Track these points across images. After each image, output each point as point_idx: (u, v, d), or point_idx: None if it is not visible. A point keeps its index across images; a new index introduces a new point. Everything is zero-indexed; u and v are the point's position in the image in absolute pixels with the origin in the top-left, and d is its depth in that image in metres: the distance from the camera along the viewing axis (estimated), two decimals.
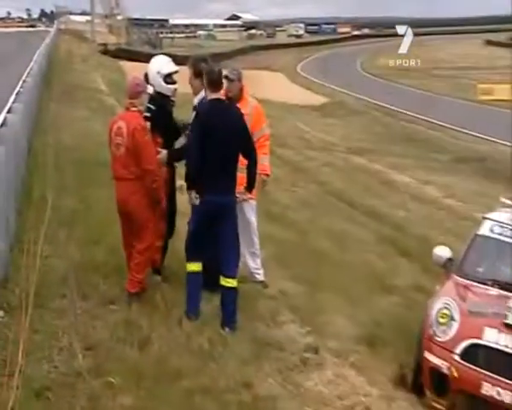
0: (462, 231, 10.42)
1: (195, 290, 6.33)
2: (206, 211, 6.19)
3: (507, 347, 5.74)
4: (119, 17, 70.55)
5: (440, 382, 5.96)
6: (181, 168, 6.68)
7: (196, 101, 6.78)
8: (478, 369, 5.75)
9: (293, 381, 5.73)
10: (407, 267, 10.03)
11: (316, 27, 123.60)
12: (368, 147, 23.23)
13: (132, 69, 31.45)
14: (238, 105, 6.92)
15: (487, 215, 7.07)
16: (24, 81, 18.43)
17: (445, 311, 6.18)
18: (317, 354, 6.20)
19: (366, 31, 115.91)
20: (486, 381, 5.67)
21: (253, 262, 7.44)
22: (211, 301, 6.51)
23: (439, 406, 6.02)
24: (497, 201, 7.36)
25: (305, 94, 41.00)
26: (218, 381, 5.40)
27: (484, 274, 6.59)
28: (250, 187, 6.45)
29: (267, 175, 7.45)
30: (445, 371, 5.91)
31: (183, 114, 7.08)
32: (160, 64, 7.05)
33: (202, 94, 6.62)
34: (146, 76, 6.97)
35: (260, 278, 7.50)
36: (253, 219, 7.37)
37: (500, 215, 6.94)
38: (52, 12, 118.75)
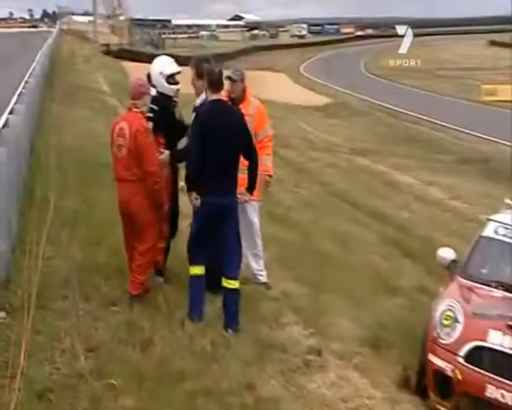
0: (466, 232, 10.41)
1: (199, 293, 6.30)
2: (207, 212, 6.16)
3: (511, 349, 5.70)
4: (122, 17, 70.52)
5: (444, 384, 5.92)
6: (183, 170, 6.66)
7: (199, 102, 6.76)
8: (482, 371, 5.70)
9: (296, 383, 5.70)
10: (411, 269, 10.00)
11: (319, 28, 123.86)
12: (371, 148, 23.22)
13: (135, 70, 31.55)
14: (241, 106, 6.91)
15: (491, 217, 7.04)
16: (26, 82, 18.41)
17: (449, 313, 6.14)
18: (320, 356, 6.18)
19: (370, 31, 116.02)
20: (491, 383, 5.63)
21: (255, 264, 7.41)
22: (213, 302, 6.49)
23: (443, 408, 5.97)
24: (501, 202, 7.33)
25: (308, 94, 41.01)
26: (221, 383, 5.38)
27: (488, 276, 6.55)
28: (251, 188, 6.41)
29: (270, 176, 7.43)
30: (449, 373, 5.88)
31: (186, 115, 7.06)
32: (163, 65, 7.03)
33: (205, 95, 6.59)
34: (148, 76, 6.96)
35: (263, 279, 7.48)
36: (255, 220, 7.35)
37: (504, 217, 6.90)
38: (54, 12, 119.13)
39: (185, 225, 6.97)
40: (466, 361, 5.82)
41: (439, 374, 5.96)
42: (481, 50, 73.09)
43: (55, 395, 4.97)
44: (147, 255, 6.54)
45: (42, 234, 7.91)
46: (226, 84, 6.70)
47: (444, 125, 28.91)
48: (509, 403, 5.55)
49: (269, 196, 9.18)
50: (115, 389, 5.08)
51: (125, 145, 6.43)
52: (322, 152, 21.93)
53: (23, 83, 18.69)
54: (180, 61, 7.78)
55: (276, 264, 8.21)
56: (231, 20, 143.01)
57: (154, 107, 6.81)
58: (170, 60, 7.15)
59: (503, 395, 5.57)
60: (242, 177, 6.33)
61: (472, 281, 6.51)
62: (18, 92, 16.73)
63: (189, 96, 7.05)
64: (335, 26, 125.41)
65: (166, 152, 6.80)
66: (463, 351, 5.86)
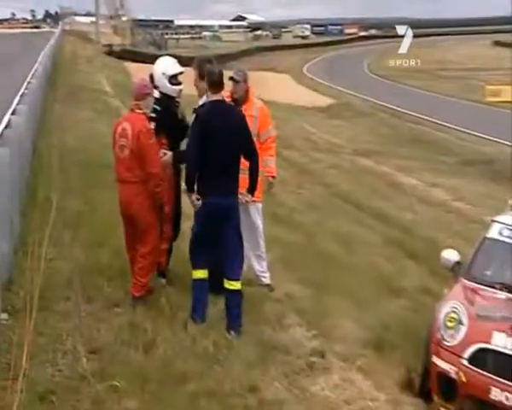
0: (469, 233, 10.39)
1: (201, 295, 6.27)
2: (208, 213, 6.12)
3: None
4: (124, 18, 70.63)
5: (448, 387, 5.88)
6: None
7: (201, 103, 6.73)
8: (486, 374, 5.67)
9: (300, 385, 5.68)
10: (414, 270, 9.99)
11: (322, 28, 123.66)
12: (374, 149, 23.21)
13: (137, 70, 31.62)
14: (244, 107, 6.89)
15: (496, 218, 7.01)
16: (28, 82, 18.41)
17: (453, 315, 6.11)
18: (323, 358, 6.15)
19: (373, 31, 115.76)
20: (495, 386, 5.60)
21: (258, 265, 7.39)
22: (216, 304, 6.46)
23: None
24: (505, 203, 7.30)
25: (312, 95, 40.97)
26: (224, 385, 5.36)
27: (492, 278, 6.52)
28: (252, 189, 6.37)
29: (273, 177, 7.40)
30: (453, 375, 5.84)
31: (188, 116, 7.04)
32: (166, 65, 7.01)
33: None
34: (151, 77, 6.95)
35: (266, 281, 7.46)
36: (258, 221, 7.32)
37: (509, 218, 6.87)
38: (57, 13, 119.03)
39: (188, 226, 6.95)
40: (470, 363, 5.78)
41: (443, 376, 5.93)
42: (486, 51, 72.98)
43: (58, 396, 4.96)
44: (148, 258, 6.52)
45: (44, 235, 7.89)
46: (229, 84, 6.68)
47: (447, 126, 28.89)
48: None
49: (272, 198, 9.16)
50: (118, 391, 5.07)
51: (128, 146, 6.41)
52: (325, 153, 21.93)
53: (25, 84, 18.67)
54: (183, 61, 7.77)
55: (279, 265, 8.19)
56: (234, 20, 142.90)
57: (157, 107, 6.80)
58: (172, 60, 7.14)
59: (507, 398, 5.53)
60: (243, 177, 6.30)
61: (476, 283, 6.48)
62: (20, 93, 16.73)
63: (192, 97, 7.03)
64: (339, 27, 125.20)
65: (169, 153, 6.78)
66: (467, 353, 5.82)
